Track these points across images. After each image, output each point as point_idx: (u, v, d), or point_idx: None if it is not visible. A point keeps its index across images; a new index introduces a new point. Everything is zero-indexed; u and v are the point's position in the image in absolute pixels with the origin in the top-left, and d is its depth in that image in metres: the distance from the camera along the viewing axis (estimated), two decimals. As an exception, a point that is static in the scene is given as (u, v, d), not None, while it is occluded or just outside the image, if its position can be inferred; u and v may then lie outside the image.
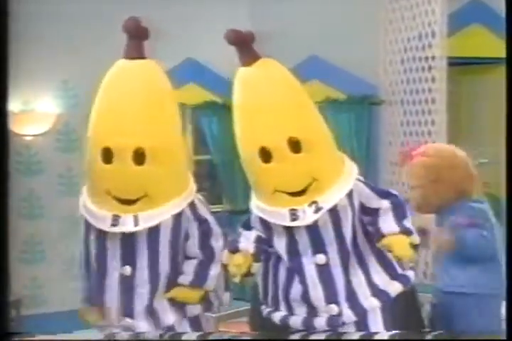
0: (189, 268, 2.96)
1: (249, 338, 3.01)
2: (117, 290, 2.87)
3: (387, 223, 2.88)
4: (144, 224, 2.82)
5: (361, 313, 2.89)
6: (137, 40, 2.82)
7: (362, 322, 2.91)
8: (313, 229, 2.85)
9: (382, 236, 2.85)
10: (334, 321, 2.88)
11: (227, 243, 3.00)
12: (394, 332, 2.90)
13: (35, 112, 5.55)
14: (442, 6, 5.57)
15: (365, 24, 6.09)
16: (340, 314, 2.88)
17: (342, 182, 2.87)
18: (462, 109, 6.73)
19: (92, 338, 2.90)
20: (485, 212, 3.56)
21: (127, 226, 2.80)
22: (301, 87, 2.91)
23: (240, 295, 5.09)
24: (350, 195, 2.89)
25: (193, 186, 3.04)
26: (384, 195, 2.96)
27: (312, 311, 2.91)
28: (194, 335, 2.90)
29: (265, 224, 2.91)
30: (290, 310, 2.94)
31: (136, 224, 2.81)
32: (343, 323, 2.89)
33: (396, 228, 2.85)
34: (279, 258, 2.95)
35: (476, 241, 3.32)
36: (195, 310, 3.01)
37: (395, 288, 2.97)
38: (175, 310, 2.97)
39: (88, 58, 5.36)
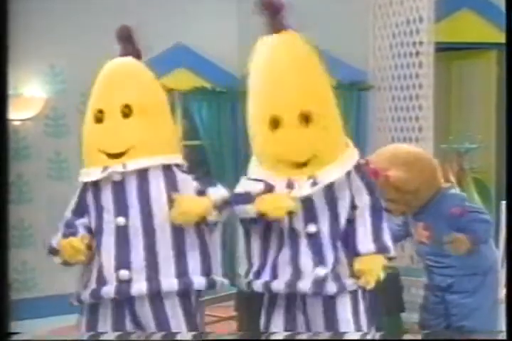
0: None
1: (242, 338, 3.00)
2: (113, 242, 2.93)
3: (364, 239, 2.95)
4: (133, 167, 2.95)
5: (342, 289, 2.91)
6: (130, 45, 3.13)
7: (330, 305, 2.93)
8: (307, 202, 2.90)
9: (358, 254, 2.94)
10: (319, 285, 2.89)
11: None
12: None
13: (23, 97, 5.53)
14: (430, -9, 5.58)
15: (353, 9, 6.09)
16: (325, 279, 2.89)
17: (343, 163, 2.94)
18: (451, 94, 6.75)
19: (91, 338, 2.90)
20: (462, 195, 3.64)
21: (115, 169, 2.95)
22: (319, 63, 2.99)
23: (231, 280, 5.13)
24: (349, 177, 2.95)
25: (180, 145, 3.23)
26: (370, 190, 3.01)
27: (297, 274, 2.91)
28: (189, 335, 2.90)
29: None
30: (274, 276, 2.95)
31: (124, 167, 2.96)
32: (326, 294, 2.89)
33: (372, 247, 2.94)
34: (268, 228, 2.98)
35: (484, 228, 3.41)
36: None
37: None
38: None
39: (75, 43, 5.35)
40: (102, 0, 5.62)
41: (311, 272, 2.90)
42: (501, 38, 5.82)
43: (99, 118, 3.03)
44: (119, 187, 2.97)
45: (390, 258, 2.98)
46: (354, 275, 2.94)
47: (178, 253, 2.98)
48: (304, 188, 2.87)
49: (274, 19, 2.97)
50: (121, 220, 2.94)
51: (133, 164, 2.96)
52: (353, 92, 6.18)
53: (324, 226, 2.93)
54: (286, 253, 2.94)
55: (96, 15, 5.54)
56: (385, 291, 3.60)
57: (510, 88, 2.33)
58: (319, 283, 2.89)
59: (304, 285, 2.89)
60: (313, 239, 2.92)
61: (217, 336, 3.26)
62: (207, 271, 3.03)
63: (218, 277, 3.07)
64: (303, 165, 2.90)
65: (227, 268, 5.41)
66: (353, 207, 2.98)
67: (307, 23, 6.30)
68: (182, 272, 2.96)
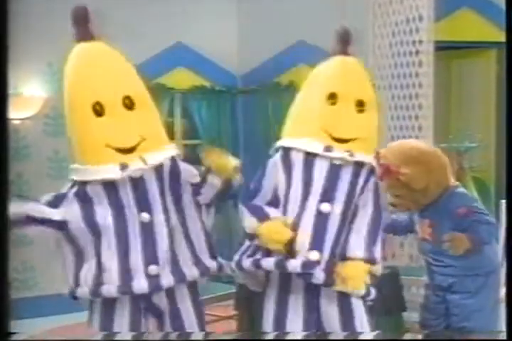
0: None
1: (242, 338, 3.00)
2: (140, 239, 2.90)
3: (357, 242, 2.94)
4: (153, 161, 2.91)
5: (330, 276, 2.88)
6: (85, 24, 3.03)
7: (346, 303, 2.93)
8: None
9: (345, 257, 2.92)
10: (309, 266, 2.86)
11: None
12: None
13: (22, 96, 5.54)
14: (430, -11, 5.58)
15: (353, 8, 6.08)
16: (319, 262, 2.87)
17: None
18: (451, 92, 6.75)
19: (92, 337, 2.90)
20: (470, 195, 3.63)
21: (137, 165, 2.87)
22: None
23: (231, 279, 5.12)
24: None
25: None
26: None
27: (290, 254, 2.88)
28: (200, 335, 2.94)
29: None
30: (266, 255, 2.94)
31: (145, 163, 2.89)
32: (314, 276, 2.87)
33: (361, 254, 2.92)
34: None
35: (487, 229, 3.40)
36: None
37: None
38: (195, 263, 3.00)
39: (73, 41, 5.34)
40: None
41: (305, 252, 2.87)
42: (501, 36, 5.80)
43: (98, 111, 2.90)
44: (139, 183, 2.91)
45: (373, 273, 2.95)
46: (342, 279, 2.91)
47: (188, 241, 3.01)
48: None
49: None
50: (145, 216, 2.90)
51: (151, 159, 2.90)
52: (352, 91, 6.17)
53: (338, 206, 2.92)
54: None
55: (95, 13, 5.53)
56: (385, 290, 3.61)
57: (511, 87, 2.33)
58: (311, 264, 2.86)
59: (293, 264, 2.86)
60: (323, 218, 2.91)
61: (217, 336, 3.27)
62: (214, 254, 3.07)
63: (221, 259, 3.09)
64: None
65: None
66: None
67: (306, 22, 6.31)
68: (197, 259, 3.00)
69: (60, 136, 5.71)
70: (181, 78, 5.99)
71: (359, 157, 2.96)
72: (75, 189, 2.93)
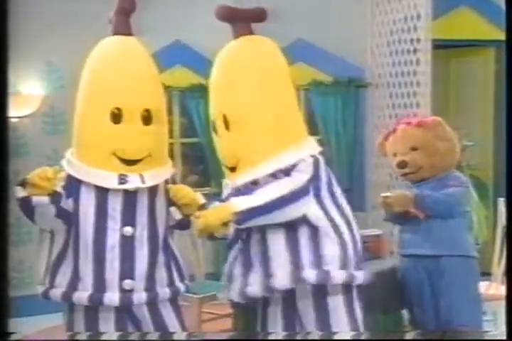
0: None
1: (239, 338, 3.02)
2: (118, 251, 2.88)
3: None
4: (151, 182, 2.89)
5: (324, 279, 2.86)
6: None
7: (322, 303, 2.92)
8: None
9: None
10: (294, 277, 2.86)
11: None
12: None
13: (20, 94, 5.53)
14: (428, -12, 5.58)
15: (352, 6, 6.08)
16: (300, 271, 2.86)
17: (270, 163, 2.90)
18: (449, 91, 6.75)
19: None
20: (465, 178, 3.66)
21: (135, 183, 2.85)
22: (274, 63, 3.00)
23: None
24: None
25: None
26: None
27: (268, 273, 2.90)
28: (183, 335, 2.95)
29: None
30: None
31: (143, 182, 2.87)
32: (303, 281, 2.86)
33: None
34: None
35: (445, 201, 3.43)
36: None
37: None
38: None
39: (71, 39, 5.34)
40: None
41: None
42: (499, 35, 5.84)
43: (116, 117, 2.85)
44: (131, 197, 2.89)
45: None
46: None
47: (167, 262, 3.01)
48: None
49: (234, 26, 3.02)
50: (128, 230, 2.89)
51: (150, 180, 2.89)
52: (350, 89, 6.18)
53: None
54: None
55: (93, 12, 5.53)
56: (384, 288, 3.61)
57: (511, 86, 2.33)
58: (296, 276, 2.86)
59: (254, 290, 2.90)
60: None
61: (215, 336, 3.28)
62: (183, 276, 3.11)
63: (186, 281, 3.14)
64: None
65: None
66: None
67: (306, 21, 6.32)
68: (171, 280, 3.02)
69: (58, 134, 5.70)
70: (179, 76, 5.98)
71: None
72: (64, 182, 2.87)
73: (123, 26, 2.94)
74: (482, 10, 6.26)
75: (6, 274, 2.17)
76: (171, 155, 5.12)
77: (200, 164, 6.24)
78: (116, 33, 2.96)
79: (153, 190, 2.95)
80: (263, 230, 2.91)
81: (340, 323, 2.90)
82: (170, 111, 6.39)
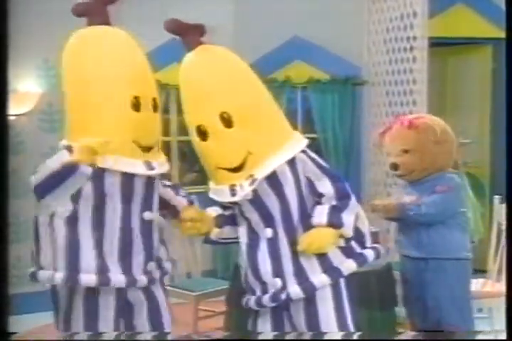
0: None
1: (232, 338, 3.04)
2: (139, 235, 2.98)
3: (320, 213, 2.91)
4: (163, 169, 3.06)
5: (310, 290, 2.89)
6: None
7: (311, 300, 2.92)
8: (257, 202, 2.90)
9: (312, 226, 2.90)
10: (277, 297, 2.90)
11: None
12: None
13: (18, 92, 5.53)
14: (424, -14, 5.59)
15: (348, 4, 6.09)
16: (283, 289, 2.90)
17: (280, 154, 2.90)
18: (446, 89, 6.76)
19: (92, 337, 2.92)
20: (458, 179, 3.65)
21: (159, 169, 3.01)
22: (238, 66, 3.02)
23: (225, 275, 5.14)
24: (292, 165, 2.92)
25: None
26: (334, 178, 2.97)
27: (264, 288, 2.95)
28: (176, 335, 3.07)
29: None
30: (252, 291, 3.01)
31: (160, 168, 3.03)
32: (290, 299, 2.90)
33: (324, 220, 2.88)
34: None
35: (435, 208, 3.44)
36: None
37: (349, 266, 2.97)
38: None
39: (67, 36, 5.34)
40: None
41: (271, 281, 2.93)
42: (496, 33, 5.85)
43: (136, 105, 2.94)
44: (151, 183, 3.02)
45: (344, 236, 2.92)
46: (326, 270, 2.92)
47: (162, 243, 3.17)
48: (244, 189, 2.88)
49: (185, 39, 3.15)
50: (148, 215, 3.00)
51: (160, 167, 3.03)
52: (347, 87, 6.19)
53: (279, 227, 2.92)
54: (254, 264, 2.97)
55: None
56: (378, 285, 3.62)
57: (510, 85, 2.34)
58: (278, 294, 2.91)
59: (266, 299, 2.94)
60: (271, 243, 2.93)
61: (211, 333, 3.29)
62: (168, 256, 3.23)
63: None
64: (240, 167, 2.89)
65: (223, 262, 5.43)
66: (318, 194, 2.94)
67: (302, 19, 6.32)
68: (159, 263, 3.12)
69: (55, 132, 5.70)
70: (176, 74, 5.98)
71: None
72: (90, 169, 2.87)
73: (104, 16, 3.07)
74: (479, 8, 6.26)
75: (5, 274, 2.17)
76: (169, 153, 5.13)
77: (198, 162, 6.23)
78: (98, 24, 3.08)
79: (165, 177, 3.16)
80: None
81: (329, 316, 2.93)
82: (167, 109, 6.39)
